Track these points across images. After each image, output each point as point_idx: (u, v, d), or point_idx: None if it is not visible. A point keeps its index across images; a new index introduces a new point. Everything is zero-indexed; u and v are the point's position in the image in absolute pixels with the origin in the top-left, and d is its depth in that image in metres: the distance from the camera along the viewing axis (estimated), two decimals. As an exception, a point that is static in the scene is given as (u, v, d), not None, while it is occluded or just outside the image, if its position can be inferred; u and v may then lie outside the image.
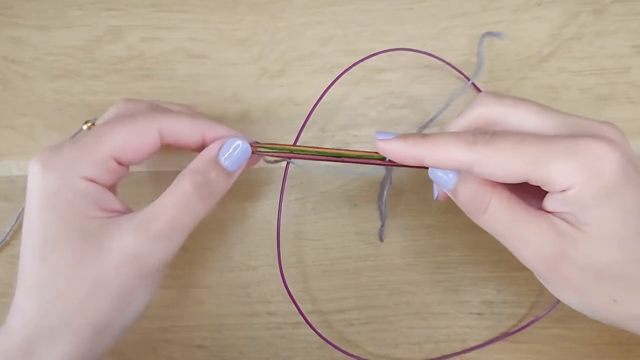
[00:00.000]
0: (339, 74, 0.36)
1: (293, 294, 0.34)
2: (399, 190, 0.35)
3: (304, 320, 0.34)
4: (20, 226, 0.35)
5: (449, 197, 0.27)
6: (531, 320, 0.33)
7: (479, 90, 0.36)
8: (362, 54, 0.36)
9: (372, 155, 0.27)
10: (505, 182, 0.23)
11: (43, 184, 0.25)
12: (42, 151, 0.26)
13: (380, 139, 0.25)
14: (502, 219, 0.24)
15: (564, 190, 0.22)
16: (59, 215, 0.25)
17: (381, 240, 0.34)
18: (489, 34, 0.36)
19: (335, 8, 0.37)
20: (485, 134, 0.23)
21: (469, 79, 0.35)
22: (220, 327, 0.34)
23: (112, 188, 0.28)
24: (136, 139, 0.26)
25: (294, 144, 0.34)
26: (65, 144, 0.26)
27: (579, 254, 0.22)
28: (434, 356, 0.33)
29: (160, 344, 0.34)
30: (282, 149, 0.28)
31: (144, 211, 0.25)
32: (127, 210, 0.27)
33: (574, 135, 0.22)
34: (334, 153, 0.28)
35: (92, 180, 0.26)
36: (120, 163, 0.27)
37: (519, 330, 0.33)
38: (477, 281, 0.34)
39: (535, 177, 0.22)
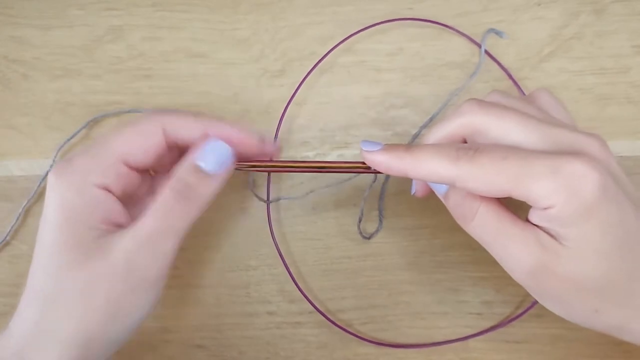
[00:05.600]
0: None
1: (293, 294, 0.34)
2: (399, 190, 0.35)
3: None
4: (20, 226, 0.35)
5: (425, 193, 0.28)
6: (511, 317, 0.33)
7: (494, 59, 0.36)
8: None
9: (358, 166, 0.28)
10: (488, 196, 0.23)
11: (55, 194, 0.25)
12: (57, 162, 0.26)
13: (365, 150, 0.25)
14: (489, 229, 0.24)
15: (545, 208, 0.22)
16: (66, 225, 0.25)
17: (367, 237, 0.34)
18: (492, 30, 0.36)
19: (336, 8, 0.37)
20: (469, 149, 0.23)
21: (480, 46, 0.35)
22: (220, 327, 0.34)
23: (127, 197, 0.28)
24: (141, 139, 0.27)
25: (276, 134, 0.35)
26: (75, 154, 0.26)
27: (560, 267, 0.23)
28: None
29: (160, 343, 0.34)
30: (263, 166, 0.29)
31: (134, 223, 0.26)
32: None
33: (555, 153, 0.22)
34: (317, 166, 0.28)
35: (105, 189, 0.26)
36: (130, 167, 0.27)
37: (494, 328, 0.33)
38: (477, 281, 0.34)
39: (516, 194, 0.22)
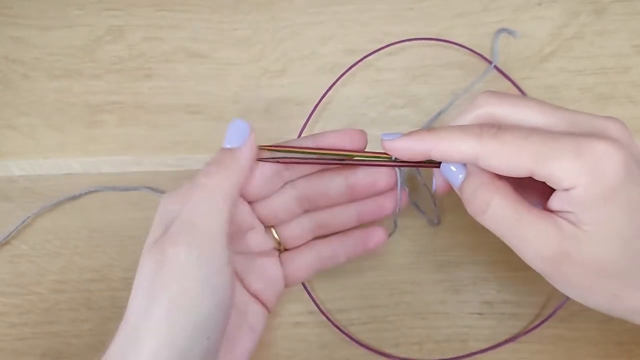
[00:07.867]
0: (340, 73, 0.36)
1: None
2: (400, 189, 0.35)
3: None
4: (22, 227, 0.35)
5: (447, 190, 0.28)
6: (535, 324, 0.33)
7: (504, 74, 0.36)
8: (363, 54, 0.36)
9: (379, 157, 0.27)
10: (510, 175, 0.23)
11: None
12: None
13: (387, 139, 0.26)
14: (505, 219, 0.24)
15: (567, 189, 0.22)
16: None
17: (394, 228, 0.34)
18: (504, 30, 0.35)
19: (336, 8, 0.37)
20: (492, 127, 0.23)
21: (491, 62, 0.35)
22: (221, 327, 0.34)
23: None
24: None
25: (300, 132, 0.35)
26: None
27: (581, 253, 0.22)
28: (434, 356, 0.33)
29: (160, 343, 0.34)
30: (284, 151, 0.28)
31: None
32: None
33: (579, 134, 0.22)
34: (340, 154, 0.28)
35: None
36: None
37: (525, 333, 0.33)
38: (478, 281, 0.34)
39: (539, 172, 0.22)
